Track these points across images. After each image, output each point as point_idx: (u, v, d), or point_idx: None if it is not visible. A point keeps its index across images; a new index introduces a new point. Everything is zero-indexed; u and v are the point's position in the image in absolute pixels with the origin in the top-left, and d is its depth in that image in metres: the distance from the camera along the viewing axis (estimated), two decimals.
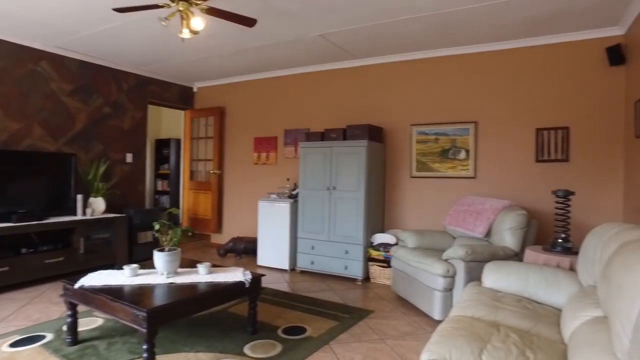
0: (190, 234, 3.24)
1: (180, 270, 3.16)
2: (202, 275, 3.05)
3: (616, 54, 3.94)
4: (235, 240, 5.80)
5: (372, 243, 4.73)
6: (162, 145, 10.30)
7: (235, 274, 3.10)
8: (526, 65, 4.44)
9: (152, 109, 9.74)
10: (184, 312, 2.67)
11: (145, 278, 2.93)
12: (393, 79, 5.15)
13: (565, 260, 2.93)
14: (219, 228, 6.62)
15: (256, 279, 3.14)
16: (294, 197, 5.26)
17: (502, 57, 4.55)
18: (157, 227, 3.08)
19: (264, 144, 6.18)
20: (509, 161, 4.50)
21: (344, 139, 4.84)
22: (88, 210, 4.99)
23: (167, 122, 10.50)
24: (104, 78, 5.62)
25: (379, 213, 5.04)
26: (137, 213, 5.53)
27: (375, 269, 4.66)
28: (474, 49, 4.66)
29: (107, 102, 5.66)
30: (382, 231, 5.07)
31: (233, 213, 6.54)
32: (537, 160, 4.37)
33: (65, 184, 4.94)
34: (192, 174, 6.95)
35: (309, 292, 4.25)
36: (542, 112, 4.37)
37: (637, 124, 3.36)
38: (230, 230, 6.54)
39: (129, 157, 5.93)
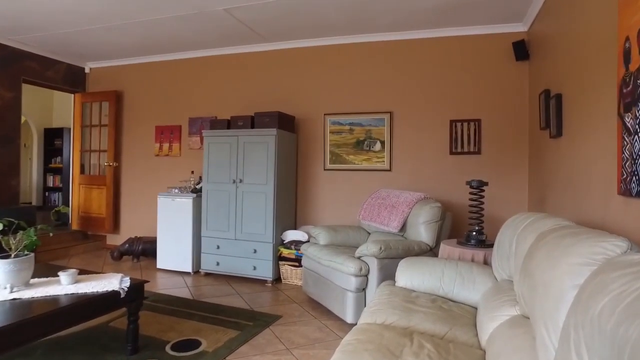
0: (50, 234, 2.59)
1: (35, 281, 2.52)
2: (64, 286, 2.45)
3: (521, 50, 3.98)
4: (133, 240, 5.09)
5: (283, 241, 4.37)
6: (53, 135, 9.02)
7: (110, 282, 2.54)
8: (441, 56, 4.36)
9: (40, 92, 8.44)
10: (29, 336, 2.07)
11: None
12: (306, 66, 4.82)
13: (480, 253, 2.80)
14: (115, 228, 5.82)
15: (136, 286, 2.61)
16: (198, 192, 4.71)
17: (417, 47, 4.43)
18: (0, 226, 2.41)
19: (167, 134, 5.52)
20: (424, 153, 4.40)
21: (252, 127, 4.41)
22: None
23: (60, 109, 9.21)
24: None
25: (291, 208, 4.68)
26: (6, 212, 4.59)
27: (286, 269, 4.30)
28: (390, 37, 4.49)
29: None
30: (294, 228, 4.73)
31: (132, 210, 5.78)
32: (451, 153, 4.31)
33: None
34: (83, 167, 6.05)
35: (212, 298, 3.77)
36: (456, 104, 4.31)
37: (541, 116, 3.37)
38: (129, 230, 5.78)
39: None
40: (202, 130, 4.71)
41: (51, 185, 9.08)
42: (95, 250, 5.82)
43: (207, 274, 4.54)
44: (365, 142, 4.58)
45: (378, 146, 4.53)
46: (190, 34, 4.66)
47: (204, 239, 4.52)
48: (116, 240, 5.86)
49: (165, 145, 5.52)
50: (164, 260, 4.71)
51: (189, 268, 4.58)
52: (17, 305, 2.17)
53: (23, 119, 9.29)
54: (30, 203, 9.33)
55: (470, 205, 3.09)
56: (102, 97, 5.80)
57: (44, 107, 8.99)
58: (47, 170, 9.13)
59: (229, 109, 5.12)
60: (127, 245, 5.06)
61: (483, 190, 3.05)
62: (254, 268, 4.28)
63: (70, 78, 5.86)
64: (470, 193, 3.10)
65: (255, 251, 4.28)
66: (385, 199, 3.84)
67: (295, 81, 4.86)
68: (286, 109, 4.82)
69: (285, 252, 4.27)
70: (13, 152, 5.15)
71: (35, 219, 4.91)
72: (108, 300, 2.39)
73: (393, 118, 4.50)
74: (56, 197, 9.01)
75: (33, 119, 8.81)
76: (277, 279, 4.33)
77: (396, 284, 2.51)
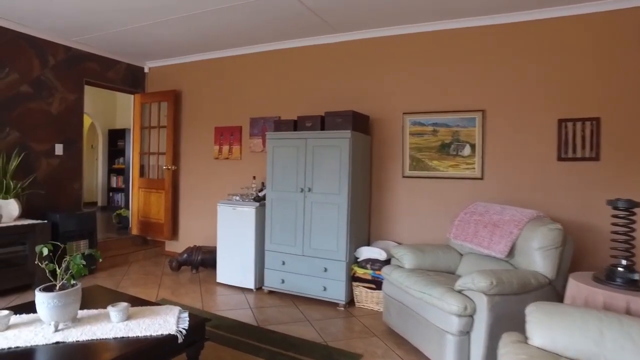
0: (99, 259, 2.22)
1: (83, 314, 2.16)
2: (113, 324, 2.06)
3: None
4: (192, 250, 4.78)
5: (357, 259, 3.83)
6: (116, 136, 9.11)
7: (166, 320, 2.12)
8: (547, 42, 3.61)
9: (104, 94, 8.52)
10: None
11: (19, 333, 1.91)
12: (382, 58, 4.23)
13: (637, 300, 2.09)
14: (174, 234, 5.57)
15: (196, 325, 2.17)
16: (261, 200, 4.28)
17: (515, 32, 3.70)
18: (43, 251, 2.06)
19: (227, 135, 5.16)
20: (525, 159, 3.67)
21: (322, 128, 3.90)
22: None
23: (122, 110, 9.29)
24: (19, 48, 4.46)
25: (365, 221, 4.13)
26: (66, 218, 4.43)
27: (360, 291, 3.75)
28: (483, 21, 3.80)
29: (26, 78, 4.51)
30: (368, 243, 4.17)
31: (191, 217, 5.51)
32: (560, 158, 3.55)
33: None
34: (143, 170, 5.86)
35: (279, 325, 3.31)
36: (567, 100, 3.54)
37: None
38: (188, 237, 5.51)
39: (58, 149, 4.81)
40: (266, 132, 4.27)
41: (114, 186, 9.18)
42: (155, 256, 5.61)
43: (271, 292, 4.10)
44: (452, 146, 3.92)
45: (467, 150, 3.86)
46: (251, 26, 4.23)
47: (268, 254, 4.08)
48: (175, 247, 5.61)
49: (225, 148, 5.17)
50: (224, 273, 4.34)
51: (251, 284, 4.17)
52: (61, 351, 1.79)
53: (89, 120, 9.50)
54: (96, 203, 9.53)
55: (615, 232, 2.37)
56: (160, 97, 5.56)
57: (108, 109, 9.09)
58: (110, 171, 9.25)
59: (294, 108, 4.65)
60: (185, 255, 4.76)
61: (634, 214, 2.32)
62: (324, 289, 3.77)
63: (130, 78, 5.68)
64: (615, 216, 2.38)
65: (325, 270, 3.77)
66: (484, 215, 3.18)
67: (369, 76, 4.29)
68: (359, 107, 4.26)
69: (359, 271, 3.73)
70: (76, 155, 5.01)
71: (96, 226, 4.73)
72: (163, 348, 1.96)
73: (486, 117, 3.80)
74: (119, 197, 9.10)
75: (98, 120, 8.93)
76: (350, 301, 3.80)
77: (529, 341, 1.87)
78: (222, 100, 5.22)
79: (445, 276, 3.02)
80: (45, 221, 4.18)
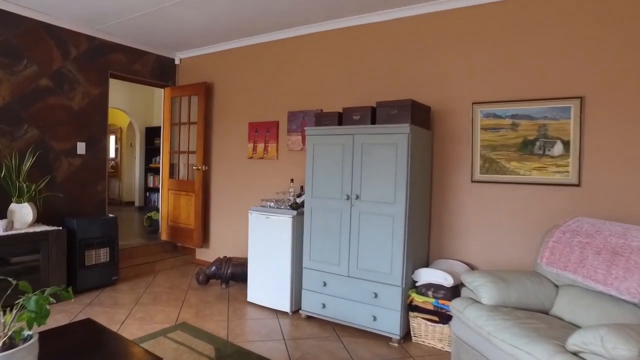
0: (53, 301, 1.60)
1: None
2: None
3: None
4: (221, 262, 4.24)
5: (415, 283, 3.11)
6: (153, 133, 8.81)
7: None
8: None
9: (142, 91, 8.22)
10: None
11: None
12: (447, 36, 3.46)
13: None
14: (204, 241, 5.07)
15: None
16: (299, 207, 3.65)
17: None
18: None
19: (262, 132, 4.57)
20: None
21: (373, 122, 3.20)
22: (1, 224, 3.48)
23: (160, 107, 9.00)
24: (39, 38, 4.08)
25: (424, 236, 3.39)
26: (84, 223, 4.00)
27: (419, 323, 3.03)
28: None
29: (45, 71, 4.12)
30: (427, 263, 3.43)
31: (222, 223, 4.98)
32: None
33: None
34: (173, 170, 5.41)
35: None
36: None
37: None
38: (220, 245, 4.99)
39: (80, 148, 4.41)
40: (305, 127, 3.62)
41: (151, 185, 8.91)
42: (184, 265, 5.13)
43: (310, 318, 3.46)
44: (537, 143, 3.10)
45: (558, 149, 3.03)
46: (289, 5, 3.59)
47: (307, 272, 3.44)
48: (206, 255, 5.11)
49: (260, 146, 4.58)
50: (255, 292, 3.75)
51: (286, 306, 3.55)
52: None
53: (127, 118, 9.30)
54: (133, 203, 9.32)
55: None
56: (191, 91, 5.06)
57: (146, 106, 8.80)
58: (147, 170, 8.98)
59: (339, 100, 3.98)
60: (214, 267, 4.22)
61: None
62: (374, 318, 3.08)
63: (159, 71, 5.22)
64: None
65: (375, 295, 3.08)
66: (594, 236, 2.36)
67: (429, 59, 3.54)
68: (417, 97, 3.53)
69: (418, 299, 3.01)
70: (99, 154, 4.60)
71: (117, 232, 4.28)
72: None
73: (585, 105, 2.95)
74: (155, 198, 8.81)
75: (136, 117, 8.68)
76: (406, 335, 3.09)
77: None
78: (257, 92, 4.64)
79: (541, 319, 2.25)
80: (60, 227, 3.76)
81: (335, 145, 3.29)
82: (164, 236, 5.35)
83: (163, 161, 5.46)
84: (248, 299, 3.79)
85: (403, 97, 3.52)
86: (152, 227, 5.89)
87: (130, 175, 9.68)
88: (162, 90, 5.38)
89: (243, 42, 4.68)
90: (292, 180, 4.04)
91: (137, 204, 8.99)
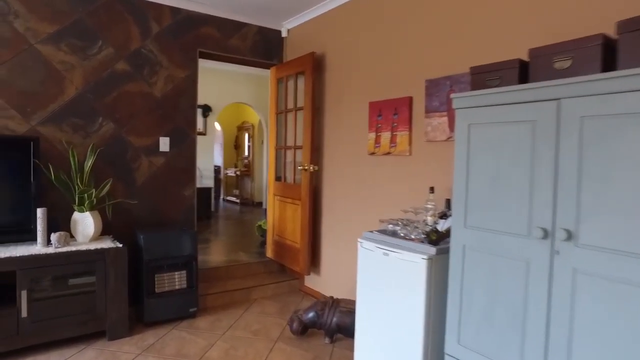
0: None
1: None
2: None
3: None
4: (323, 306, 2.92)
5: None
6: None
7: None
8: None
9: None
10: None
11: None
12: None
13: None
14: (313, 266, 3.84)
15: None
16: (441, 239, 2.07)
17: None
18: None
19: (388, 115, 3.09)
20: None
21: (605, 68, 1.44)
22: (54, 238, 2.78)
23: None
24: (115, 14, 3.35)
25: None
26: (157, 240, 3.14)
27: None
28: None
29: (122, 53, 3.39)
30: None
31: (337, 244, 3.66)
32: None
33: (22, 190, 2.83)
34: (278, 171, 4.32)
35: None
36: None
37: None
38: (334, 273, 3.69)
39: (163, 144, 3.61)
40: (452, 96, 1.99)
41: None
42: (289, 293, 3.99)
43: None
44: None
45: None
46: None
47: None
48: (317, 283, 3.88)
49: (385, 136, 3.10)
50: None
51: None
52: None
53: (256, 115, 8.80)
54: (262, 204, 8.82)
55: None
56: (296, 67, 3.85)
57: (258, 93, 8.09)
58: None
59: (511, 46, 2.25)
60: (312, 313, 2.92)
61: None
62: None
63: (262, 46, 4.17)
64: None
65: None
66: None
67: None
68: None
69: None
70: (187, 151, 3.76)
71: (196, 254, 3.32)
72: None
73: None
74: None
75: (263, 112, 8.05)
76: None
77: None
78: (380, 58, 3.17)
79: None
80: (121, 245, 2.92)
81: (514, 126, 1.63)
82: (269, 252, 4.31)
83: (269, 160, 4.41)
84: None
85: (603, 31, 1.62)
86: (264, 239, 4.95)
87: (260, 175, 9.23)
88: (268, 71, 4.33)
89: None
90: (431, 190, 2.47)
91: (264, 205, 8.41)
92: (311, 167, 3.68)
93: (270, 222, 4.33)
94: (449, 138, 2.60)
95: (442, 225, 2.18)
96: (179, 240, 3.22)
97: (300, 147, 3.85)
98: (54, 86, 3.14)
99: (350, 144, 3.46)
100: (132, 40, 3.43)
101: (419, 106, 2.84)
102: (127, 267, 2.92)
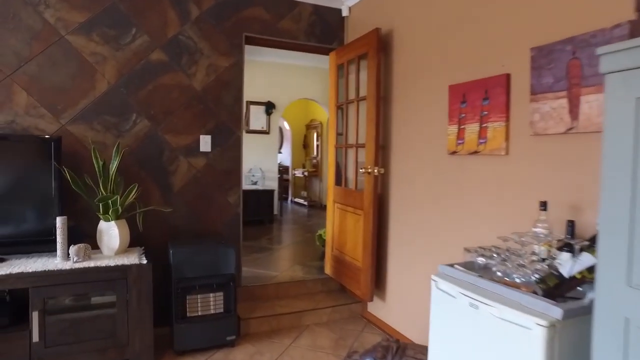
0: None
1: None
2: None
3: None
4: (385, 351, 2.23)
5: None
6: None
7: None
8: None
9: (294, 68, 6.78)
10: None
11: None
12: None
13: None
14: (378, 289, 3.16)
15: None
16: (564, 289, 1.29)
17: None
18: None
19: (474, 101, 2.30)
20: None
21: None
22: (72, 251, 2.43)
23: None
24: None
25: None
26: (188, 256, 2.68)
27: None
28: None
29: (158, 41, 2.99)
30: None
31: (409, 267, 2.94)
32: None
33: (43, 196, 2.52)
34: (339, 173, 3.69)
35: None
36: None
37: None
38: (402, 300, 2.97)
39: (204, 143, 3.16)
40: (602, 50, 1.19)
41: None
42: (348, 320, 3.34)
43: None
44: None
45: None
46: None
47: None
48: (381, 311, 3.19)
49: (471, 129, 2.32)
50: None
51: None
52: None
53: (323, 112, 8.24)
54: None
55: None
56: (358, 49, 3.18)
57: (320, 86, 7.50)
58: None
59: None
60: (370, 358, 2.24)
61: None
62: None
63: (319, 28, 3.57)
64: None
65: None
66: None
67: None
68: None
69: None
70: (232, 152, 3.27)
71: (237, 274, 2.81)
72: None
73: None
74: None
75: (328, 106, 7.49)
76: None
77: None
78: (462, 26, 2.39)
79: None
80: (145, 261, 2.49)
81: None
82: (327, 269, 3.71)
83: (329, 159, 3.80)
84: None
85: None
86: (325, 249, 4.36)
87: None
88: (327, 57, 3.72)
89: None
90: (542, 206, 1.66)
91: None
92: (376, 170, 2.99)
93: (329, 233, 3.72)
94: (569, 130, 1.77)
95: (565, 264, 1.39)
96: (216, 257, 2.73)
97: (362, 146, 3.18)
98: (85, 81, 2.82)
99: (425, 140, 2.72)
100: (168, 26, 3.02)
101: (520, 86, 2.03)
102: (153, 287, 2.49)
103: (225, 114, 3.22)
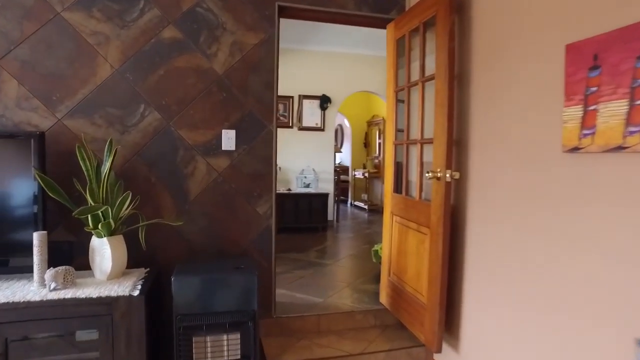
0: None
1: None
2: None
3: None
4: None
5: None
6: None
7: None
8: None
9: None
10: None
11: None
12: None
13: None
14: (449, 334, 2.34)
15: None
16: None
17: None
18: None
19: (618, 65, 1.42)
20: None
21: None
22: (48, 276, 1.93)
23: None
24: None
25: None
26: (194, 284, 2.07)
27: None
28: None
29: (171, 15, 2.44)
30: None
31: (496, 305, 2.10)
32: None
33: (24, 205, 2.05)
34: (399, 177, 2.91)
35: None
36: None
37: None
38: (487, 353, 2.13)
39: (227, 139, 2.55)
40: None
41: None
42: None
43: None
44: None
45: None
46: None
47: None
48: None
49: (609, 111, 1.44)
50: None
51: None
52: None
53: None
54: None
55: None
56: (423, 12, 2.38)
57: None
58: None
59: None
60: None
61: None
62: None
63: None
64: None
65: None
66: None
67: None
68: None
69: None
70: (262, 149, 2.63)
71: (257, 309, 2.15)
72: None
73: None
74: None
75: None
76: None
77: None
78: None
79: None
80: (137, 293, 1.91)
81: None
82: (382, 297, 2.94)
83: (386, 159, 3.03)
84: None
85: None
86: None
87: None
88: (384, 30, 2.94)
89: None
90: None
91: None
92: (448, 175, 2.18)
93: (385, 253, 2.95)
94: None
95: None
96: (232, 286, 2.10)
97: (429, 141, 2.37)
98: (85, 65, 2.34)
99: (522, 132, 1.86)
100: None
101: None
102: (152, 325, 1.92)
103: (253, 103, 2.59)
